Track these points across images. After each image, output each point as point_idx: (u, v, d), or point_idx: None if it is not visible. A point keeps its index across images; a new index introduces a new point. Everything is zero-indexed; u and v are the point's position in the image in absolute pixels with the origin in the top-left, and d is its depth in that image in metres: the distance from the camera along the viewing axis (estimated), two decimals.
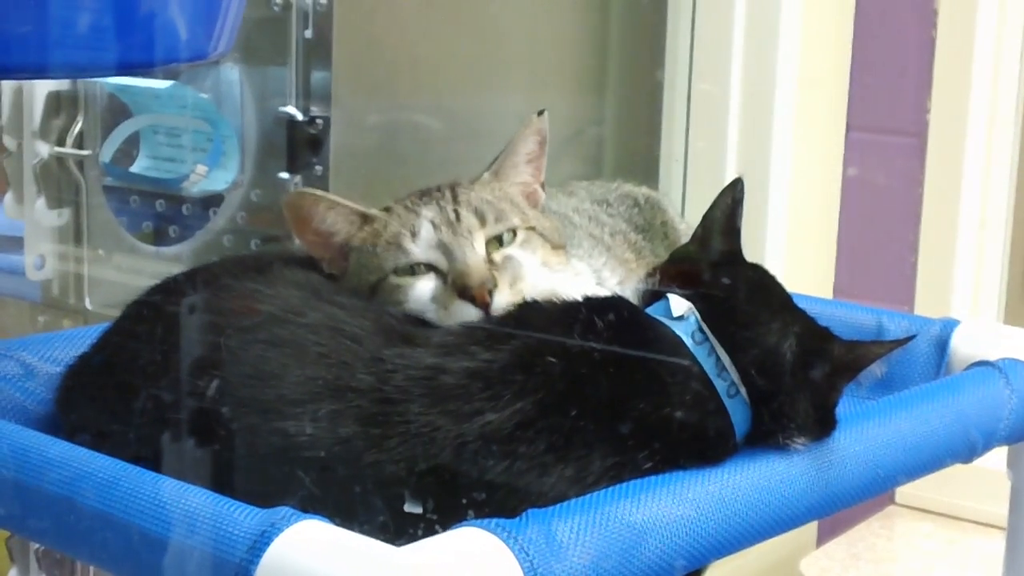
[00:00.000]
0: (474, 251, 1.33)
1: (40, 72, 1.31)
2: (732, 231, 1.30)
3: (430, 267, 1.33)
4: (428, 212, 1.37)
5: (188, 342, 1.27)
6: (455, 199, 1.38)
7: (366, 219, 1.39)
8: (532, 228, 1.39)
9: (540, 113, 1.44)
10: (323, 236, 1.38)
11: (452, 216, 1.36)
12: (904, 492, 2.35)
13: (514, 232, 1.37)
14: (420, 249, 1.34)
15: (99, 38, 1.11)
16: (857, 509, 2.27)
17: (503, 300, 1.30)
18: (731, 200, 1.30)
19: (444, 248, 1.33)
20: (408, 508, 1.13)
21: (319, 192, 1.40)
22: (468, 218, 1.36)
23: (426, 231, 1.35)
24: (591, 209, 1.66)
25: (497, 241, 1.36)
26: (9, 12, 1.07)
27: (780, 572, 2.23)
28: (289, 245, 1.82)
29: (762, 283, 1.28)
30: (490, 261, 1.34)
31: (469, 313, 1.30)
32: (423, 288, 1.32)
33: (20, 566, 1.92)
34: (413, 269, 1.34)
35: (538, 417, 1.15)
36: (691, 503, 1.13)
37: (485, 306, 1.29)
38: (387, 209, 1.40)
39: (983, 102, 2.28)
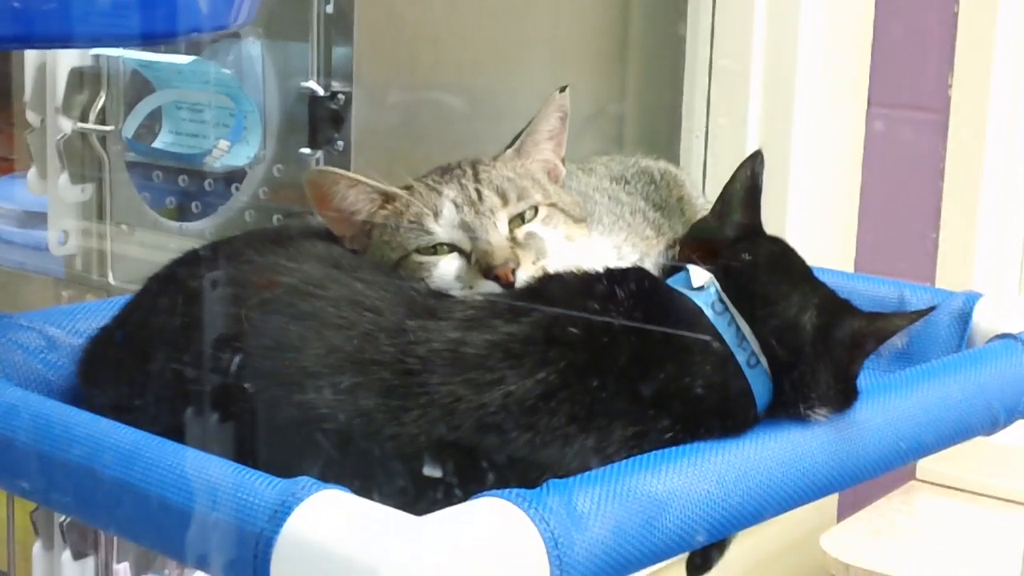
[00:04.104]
0: (496, 230, 1.34)
1: (64, 42, 1.31)
2: (752, 204, 1.30)
3: (452, 247, 1.34)
4: (450, 191, 1.37)
5: (209, 315, 1.28)
6: (476, 177, 1.39)
7: (387, 197, 1.39)
8: (553, 204, 1.40)
9: (562, 89, 1.44)
10: (344, 214, 1.39)
11: (474, 195, 1.36)
12: (925, 468, 2.35)
13: (536, 209, 1.38)
14: (443, 229, 1.35)
15: (122, 7, 1.12)
16: (877, 484, 2.28)
17: (527, 278, 1.31)
18: (751, 173, 1.30)
19: (467, 228, 1.34)
20: (428, 477, 1.14)
21: (339, 170, 1.40)
22: (490, 197, 1.36)
23: (448, 211, 1.35)
24: (610, 188, 1.66)
25: (519, 218, 1.37)
26: None
27: (801, 547, 2.23)
28: (311, 219, 1.83)
29: (782, 255, 1.28)
30: (513, 239, 1.35)
31: (493, 291, 1.30)
32: (447, 267, 1.33)
33: (44, 538, 1.94)
34: (436, 248, 1.34)
35: (559, 387, 1.15)
36: (712, 474, 1.13)
37: (509, 285, 1.30)
38: (408, 187, 1.40)
39: (1006, 78, 2.28)
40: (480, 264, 1.32)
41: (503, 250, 1.32)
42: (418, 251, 1.35)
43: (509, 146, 1.45)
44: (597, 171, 1.72)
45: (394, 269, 1.34)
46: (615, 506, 1.06)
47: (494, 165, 1.41)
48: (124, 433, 1.14)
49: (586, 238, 1.41)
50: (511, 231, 1.35)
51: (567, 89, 1.44)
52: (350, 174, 1.39)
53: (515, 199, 1.37)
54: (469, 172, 1.40)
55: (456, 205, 1.35)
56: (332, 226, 1.40)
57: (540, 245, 1.35)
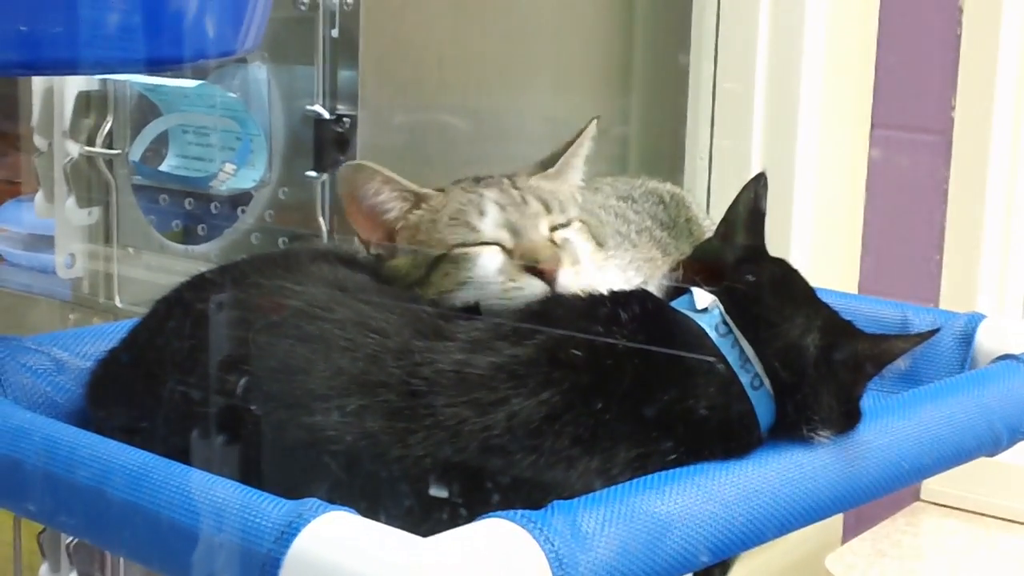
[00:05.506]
0: (539, 231, 1.36)
1: (71, 68, 1.32)
2: (755, 225, 1.30)
3: (495, 244, 1.35)
4: (491, 194, 1.39)
5: (216, 338, 1.28)
6: (515, 186, 1.41)
7: (421, 198, 1.40)
8: (585, 223, 1.41)
9: (596, 119, 1.49)
10: (373, 213, 1.40)
11: (518, 199, 1.38)
12: (929, 488, 2.35)
13: (571, 222, 1.39)
14: (488, 227, 1.36)
15: (129, 35, 1.13)
16: (882, 505, 2.27)
17: (567, 277, 1.32)
18: (754, 195, 1.31)
19: (511, 227, 1.36)
20: (434, 499, 1.14)
21: (376, 166, 1.40)
22: (533, 203, 1.39)
23: (493, 210, 1.37)
24: (617, 206, 1.67)
25: (558, 227, 1.38)
26: (42, 9, 1.08)
27: (806, 568, 2.23)
28: (317, 242, 1.84)
29: (785, 277, 1.29)
30: (551, 241, 1.37)
31: (535, 286, 1.32)
32: (488, 261, 1.34)
33: (51, 561, 1.94)
34: (472, 244, 1.35)
35: (564, 409, 1.15)
36: (716, 495, 1.13)
37: (552, 281, 1.31)
38: (441, 189, 1.41)
39: (1008, 99, 2.28)
40: (524, 259, 1.33)
41: (547, 248, 1.34)
42: (458, 247, 1.36)
43: (540, 167, 1.47)
44: (603, 190, 1.73)
45: (430, 271, 1.35)
46: (619, 527, 1.06)
47: (528, 180, 1.43)
48: (131, 455, 1.15)
49: (604, 262, 1.42)
50: (550, 235, 1.37)
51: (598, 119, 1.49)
52: (385, 171, 1.39)
53: (557, 210, 1.39)
54: (507, 182, 1.42)
55: (500, 206, 1.37)
56: (358, 228, 1.41)
57: (575, 252, 1.36)
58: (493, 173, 1.46)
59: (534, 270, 1.32)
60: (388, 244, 1.40)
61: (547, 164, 1.48)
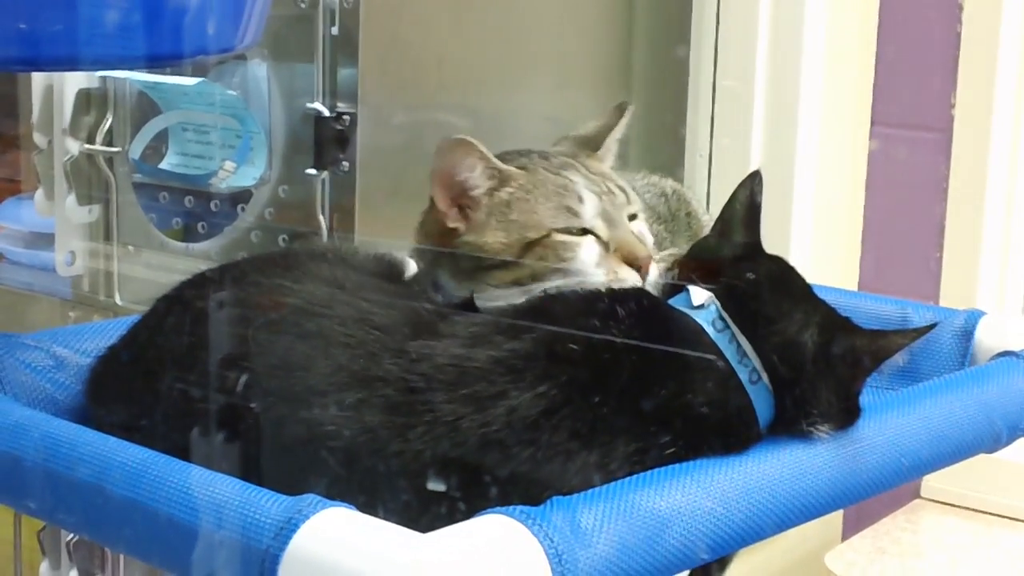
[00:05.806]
0: (627, 224, 1.38)
1: (71, 65, 1.32)
2: (751, 223, 1.31)
3: (590, 233, 1.36)
4: (580, 179, 1.39)
5: (216, 335, 1.28)
6: (592, 171, 1.42)
7: (506, 176, 1.40)
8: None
9: (631, 106, 1.50)
10: (462, 188, 1.39)
11: (605, 187, 1.39)
12: (929, 486, 2.35)
13: (639, 214, 1.42)
14: (588, 215, 1.37)
15: (129, 31, 1.13)
16: (882, 503, 2.28)
17: (653, 272, 1.34)
18: (750, 192, 1.31)
19: (606, 217, 1.37)
20: (433, 494, 1.14)
21: (474, 141, 1.40)
22: (618, 193, 1.40)
23: (590, 199, 1.38)
24: None
25: (632, 217, 1.40)
26: (42, 5, 1.08)
27: (805, 566, 2.23)
28: (317, 241, 1.83)
29: (783, 274, 1.29)
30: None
31: (634, 280, 1.34)
32: (588, 250, 1.35)
33: (52, 558, 1.94)
34: (574, 232, 1.36)
35: (562, 404, 1.15)
36: (715, 491, 1.13)
37: (645, 276, 1.34)
38: (523, 168, 1.41)
39: (1008, 97, 2.28)
40: (622, 252, 1.35)
41: (637, 242, 1.36)
42: (558, 232, 1.36)
43: (584, 144, 1.48)
44: None
45: (526, 251, 1.36)
46: (618, 523, 1.06)
47: (591, 164, 1.44)
48: (131, 451, 1.15)
49: None
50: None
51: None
52: (482, 147, 1.39)
53: (634, 199, 1.41)
54: (578, 164, 1.42)
55: (594, 194, 1.38)
56: (438, 199, 1.41)
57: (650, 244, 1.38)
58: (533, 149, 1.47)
59: (632, 263, 1.34)
60: (459, 218, 1.40)
61: (587, 143, 1.48)
